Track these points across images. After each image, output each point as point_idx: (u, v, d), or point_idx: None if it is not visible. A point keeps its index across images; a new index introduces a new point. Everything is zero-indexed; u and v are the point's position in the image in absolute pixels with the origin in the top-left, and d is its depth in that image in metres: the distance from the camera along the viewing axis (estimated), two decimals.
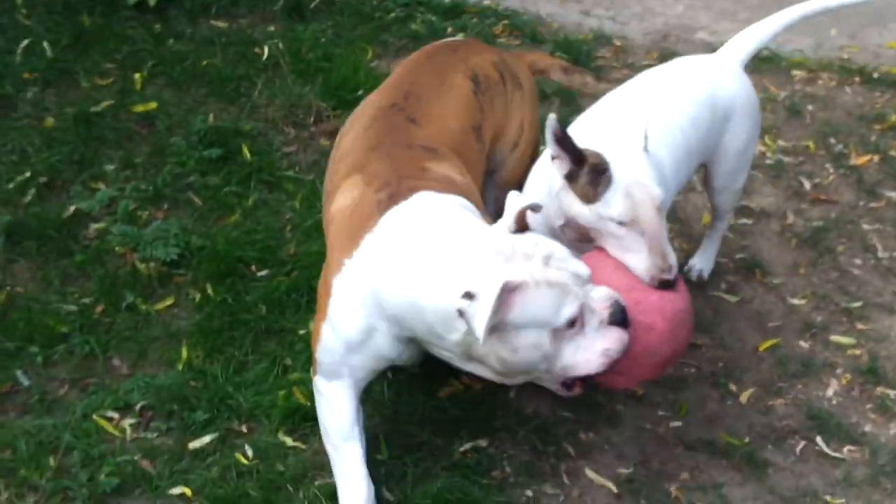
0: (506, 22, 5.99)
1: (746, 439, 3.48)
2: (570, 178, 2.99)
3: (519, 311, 2.60)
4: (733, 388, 3.67)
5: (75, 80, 5.29)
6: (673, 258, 2.97)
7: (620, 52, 5.74)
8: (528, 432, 3.46)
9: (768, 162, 4.79)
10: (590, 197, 2.96)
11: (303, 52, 5.55)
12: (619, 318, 2.74)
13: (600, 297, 2.73)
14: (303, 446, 3.43)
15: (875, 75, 5.43)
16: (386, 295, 2.80)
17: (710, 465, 3.40)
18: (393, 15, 5.99)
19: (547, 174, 3.10)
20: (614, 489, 3.31)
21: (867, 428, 3.53)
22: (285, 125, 5.03)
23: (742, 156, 3.66)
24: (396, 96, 3.25)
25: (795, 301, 4.03)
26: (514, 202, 2.79)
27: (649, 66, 5.24)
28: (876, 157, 4.80)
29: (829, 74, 5.46)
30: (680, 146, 3.32)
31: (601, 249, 3.00)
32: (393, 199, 2.90)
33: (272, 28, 5.82)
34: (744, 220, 4.43)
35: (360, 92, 5.20)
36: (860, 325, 3.91)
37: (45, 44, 5.47)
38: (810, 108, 5.19)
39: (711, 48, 5.29)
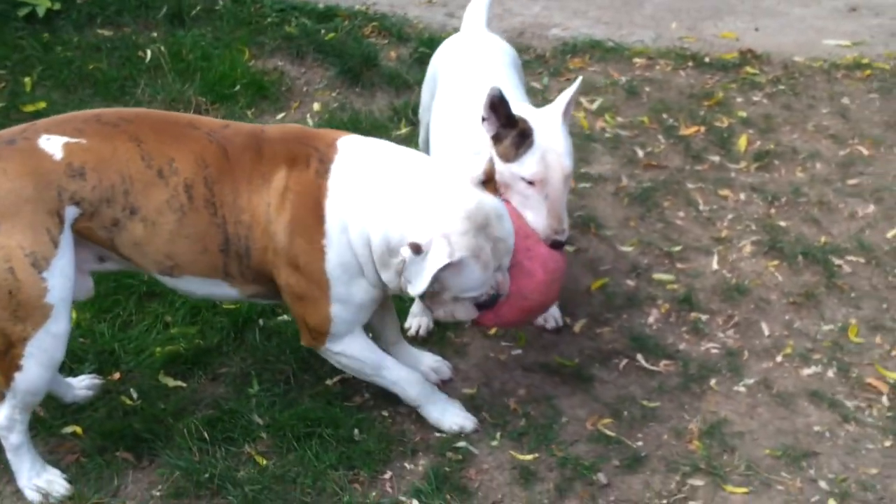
0: (375, 24, 6.44)
1: (577, 360, 3.96)
2: (497, 138, 3.43)
3: (447, 276, 3.08)
4: (568, 320, 4.14)
5: None
6: (566, 224, 3.44)
7: None
8: None
9: (607, 135, 5.33)
10: (509, 157, 3.41)
11: (183, 54, 5.97)
12: (488, 305, 3.24)
13: (495, 284, 3.21)
14: (182, 384, 3.82)
15: (707, 60, 6.03)
16: (373, 241, 3.19)
17: (545, 383, 3.87)
18: (269, 19, 6.41)
19: (471, 133, 3.52)
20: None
21: (681, 346, 4.04)
22: None
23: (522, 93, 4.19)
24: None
25: (624, 248, 4.55)
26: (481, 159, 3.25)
27: None
28: (702, 129, 5.37)
29: (666, 61, 6.04)
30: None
31: (507, 202, 3.38)
32: (323, 162, 3.23)
33: (154, 34, 6.24)
34: (584, 184, 4.95)
35: (238, 87, 5.65)
36: (680, 265, 4.44)
37: None
38: (647, 89, 5.75)
39: (568, 43, 5.88)
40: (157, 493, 3.39)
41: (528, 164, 3.38)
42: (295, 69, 5.99)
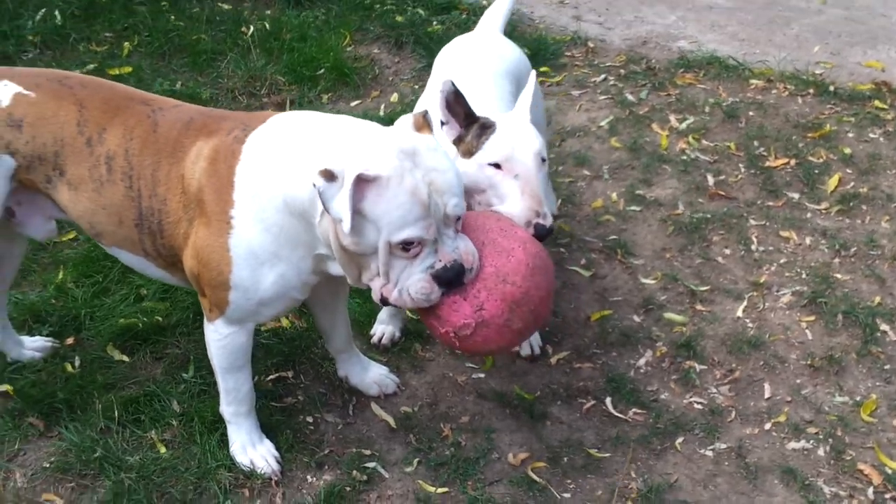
0: None
1: (537, 393, 3.60)
2: (458, 140, 3.13)
3: (369, 205, 2.60)
4: (549, 349, 3.78)
5: (73, 46, 5.79)
6: (548, 207, 3.04)
7: (590, 53, 5.89)
8: (332, 369, 3.65)
9: (683, 158, 4.87)
10: (472, 149, 3.09)
11: (282, 33, 5.92)
12: (447, 277, 2.70)
13: (450, 251, 2.71)
14: (126, 359, 3.72)
15: (832, 88, 5.44)
16: (288, 196, 2.78)
17: (493, 413, 3.54)
18: (385, 7, 6.27)
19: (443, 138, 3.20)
20: (392, 423, 3.48)
21: (662, 396, 3.61)
22: (240, 94, 5.40)
23: (537, 100, 3.82)
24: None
25: (646, 281, 4.12)
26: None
27: (614, 66, 5.43)
28: (792, 161, 4.82)
29: (786, 85, 5.49)
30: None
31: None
32: (245, 130, 2.95)
33: (268, 12, 6.20)
34: (632, 207, 4.54)
35: (321, 70, 5.54)
36: (699, 307, 3.98)
37: (57, 12, 5.97)
38: (751, 113, 5.23)
39: (687, 57, 5.44)
40: (47, 465, 3.29)
41: (491, 147, 3.04)
42: (389, 58, 5.83)
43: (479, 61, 3.61)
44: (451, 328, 2.77)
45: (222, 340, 3.11)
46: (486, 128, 3.08)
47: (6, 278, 3.58)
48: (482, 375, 3.69)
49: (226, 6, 6.30)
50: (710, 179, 4.71)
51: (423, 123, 2.78)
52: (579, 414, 3.55)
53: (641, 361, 3.75)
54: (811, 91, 5.42)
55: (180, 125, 3.01)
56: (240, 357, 3.16)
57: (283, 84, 5.45)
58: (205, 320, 3.13)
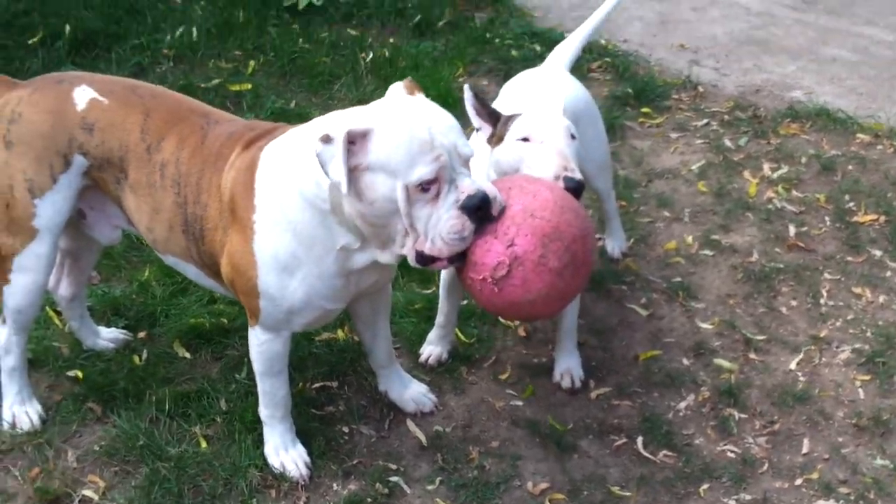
0: (608, 59, 6.23)
1: (570, 426, 3.64)
2: (492, 137, 3.31)
3: (373, 155, 2.70)
4: (592, 383, 3.82)
5: (203, 62, 6.11)
6: (576, 166, 3.16)
7: (698, 98, 5.89)
8: (376, 383, 3.77)
9: (769, 207, 4.84)
10: (502, 135, 3.26)
11: (398, 61, 6.10)
12: (473, 205, 2.73)
13: (470, 183, 2.75)
14: (188, 356, 3.93)
15: None
16: (301, 189, 2.92)
17: (523, 440, 3.59)
18: (505, 41, 6.41)
19: (480, 163, 3.28)
20: (424, 441, 3.58)
21: (697, 441, 3.60)
22: None
23: (598, 141, 3.98)
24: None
25: (703, 325, 4.11)
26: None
27: (719, 112, 5.44)
28: (882, 218, 4.72)
29: (892, 142, 5.37)
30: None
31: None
32: (269, 139, 3.12)
33: (392, 40, 6.41)
34: (706, 252, 4.53)
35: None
36: (753, 356, 3.95)
37: (194, 29, 6.32)
38: (849, 167, 5.15)
39: (795, 108, 5.40)
40: (97, 449, 3.51)
41: (518, 125, 3.24)
42: (496, 90, 5.91)
43: (538, 96, 3.70)
44: (488, 272, 2.80)
45: (260, 346, 3.28)
46: (512, 117, 3.27)
47: (84, 271, 3.83)
48: (520, 403, 3.75)
49: (353, 31, 6.52)
50: (792, 230, 4.65)
51: (414, 87, 2.93)
52: (608, 450, 3.57)
53: (682, 405, 3.75)
54: None
55: (224, 137, 3.20)
56: (276, 363, 3.32)
57: None
58: (250, 330, 3.29)
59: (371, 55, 6.18)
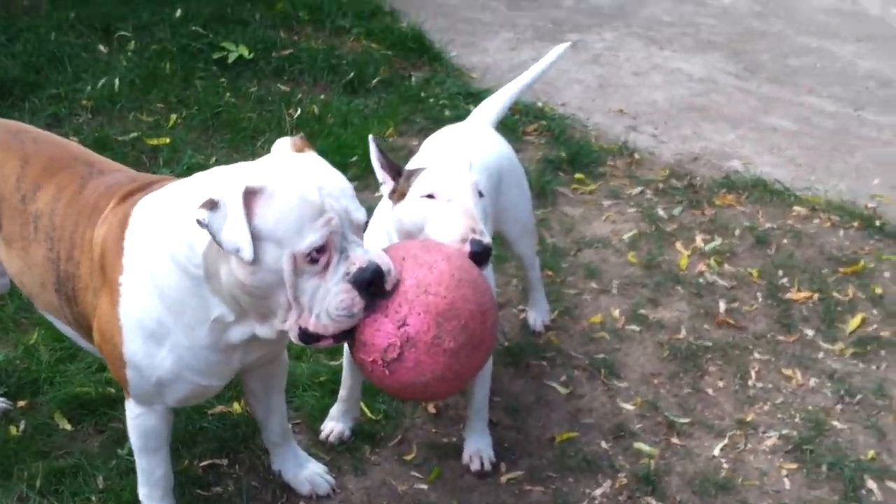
0: (543, 122, 6.07)
1: None
2: (393, 192, 3.08)
3: (259, 219, 2.42)
4: (503, 466, 3.59)
5: (122, 114, 5.87)
6: (483, 227, 2.91)
7: (633, 165, 5.73)
8: (270, 462, 3.51)
9: (699, 281, 4.65)
10: (405, 191, 3.01)
11: (327, 118, 5.90)
12: (365, 279, 2.49)
13: (362, 253, 2.51)
14: (70, 428, 3.66)
15: (878, 223, 5.14)
16: (172, 251, 2.63)
17: None
18: (439, 101, 6.23)
19: (382, 219, 3.17)
20: None
21: None
22: None
23: (522, 202, 3.77)
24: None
25: (625, 405, 3.90)
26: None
27: (654, 180, 5.27)
28: (816, 296, 4.55)
29: (830, 216, 5.23)
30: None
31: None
32: (143, 193, 2.86)
33: (322, 96, 6.21)
34: (631, 327, 4.32)
35: (354, 158, 5.49)
36: (674, 440, 3.74)
37: (117, 80, 6.09)
38: (784, 241, 4.99)
39: (731, 178, 5.25)
40: None
41: (422, 180, 2.98)
42: None
43: (458, 152, 3.49)
44: (378, 354, 2.57)
45: (135, 420, 3.02)
46: (416, 171, 3.03)
47: None
48: (425, 486, 3.52)
49: (284, 87, 6.32)
50: (722, 306, 4.47)
51: (303, 144, 2.67)
52: None
53: (598, 491, 3.53)
54: (855, 224, 5.14)
55: (103, 188, 2.94)
56: (152, 439, 3.05)
57: None
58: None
59: (299, 111, 5.97)
